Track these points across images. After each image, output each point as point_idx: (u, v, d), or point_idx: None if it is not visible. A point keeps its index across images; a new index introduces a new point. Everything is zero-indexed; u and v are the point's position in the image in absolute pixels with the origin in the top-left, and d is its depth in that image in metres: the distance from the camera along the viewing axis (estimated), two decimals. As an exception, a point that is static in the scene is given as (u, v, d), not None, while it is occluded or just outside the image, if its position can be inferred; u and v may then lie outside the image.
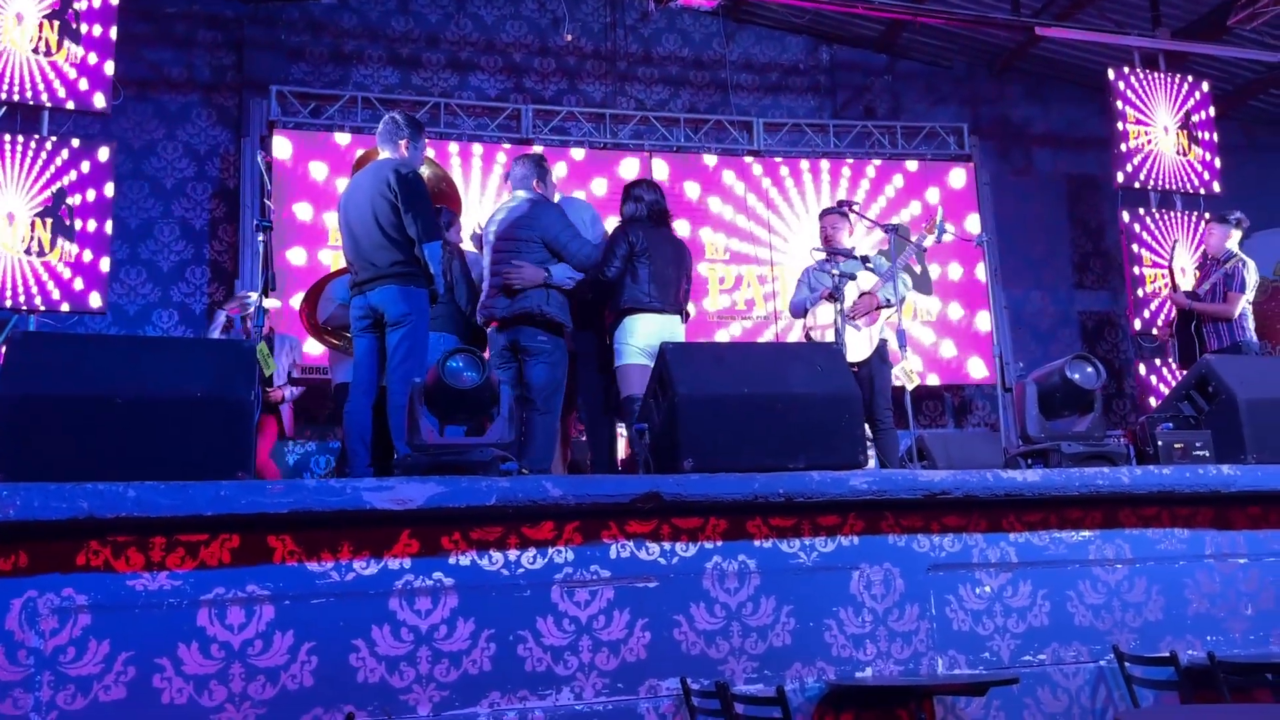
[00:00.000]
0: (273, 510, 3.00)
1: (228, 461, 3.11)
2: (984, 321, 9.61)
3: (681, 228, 6.50)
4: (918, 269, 9.45)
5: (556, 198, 5.61)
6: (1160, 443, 4.10)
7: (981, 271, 9.58)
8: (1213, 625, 3.95)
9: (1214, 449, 4.12)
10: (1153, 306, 9.10)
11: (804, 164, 9.79)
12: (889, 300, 5.94)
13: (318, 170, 8.54)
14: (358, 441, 4.53)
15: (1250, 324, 6.56)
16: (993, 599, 3.74)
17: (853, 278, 5.86)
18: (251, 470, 3.15)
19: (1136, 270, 9.11)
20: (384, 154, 4.79)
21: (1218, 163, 9.56)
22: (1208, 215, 6.87)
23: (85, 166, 6.99)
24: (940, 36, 10.35)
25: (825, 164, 9.82)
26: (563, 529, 3.34)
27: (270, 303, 6.19)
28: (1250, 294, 6.53)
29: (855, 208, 6.46)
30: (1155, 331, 9.11)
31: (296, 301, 7.71)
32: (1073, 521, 3.87)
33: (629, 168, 9.31)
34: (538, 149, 8.78)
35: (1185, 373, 6.14)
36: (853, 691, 3.45)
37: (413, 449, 3.52)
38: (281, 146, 8.53)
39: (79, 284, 6.82)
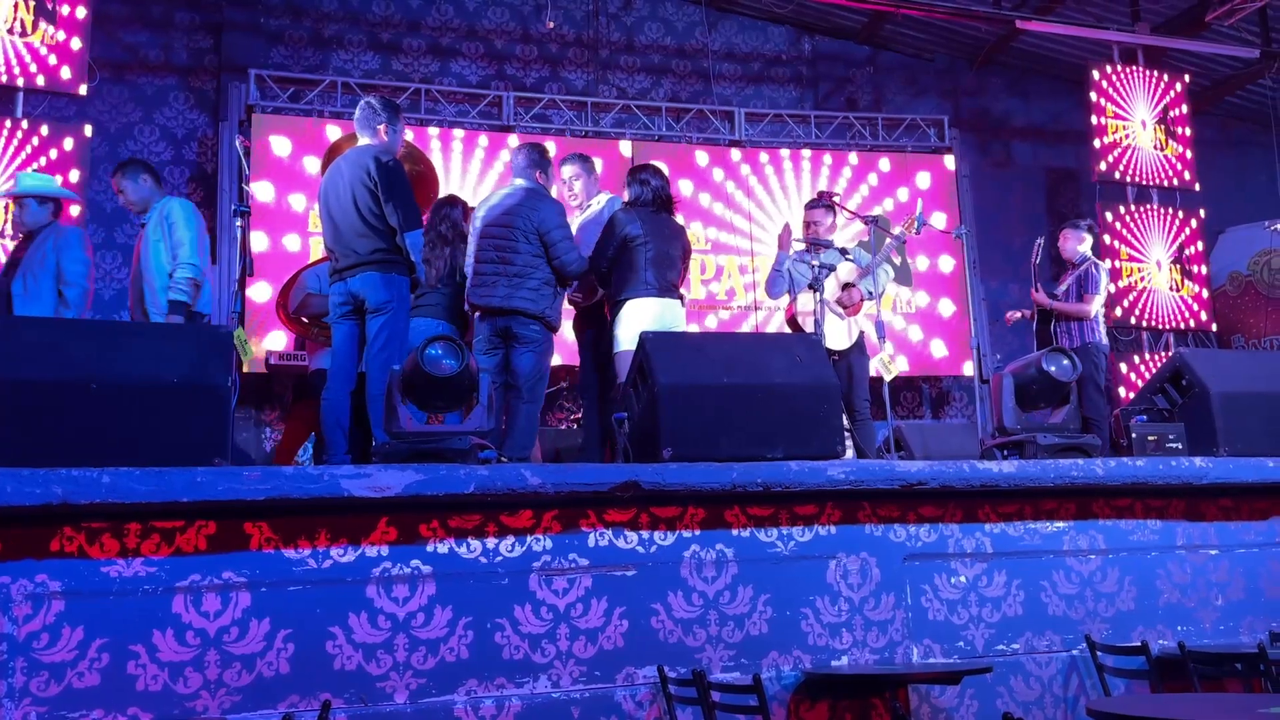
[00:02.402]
0: (250, 497, 2.98)
1: (204, 447, 3.09)
2: (962, 313, 9.65)
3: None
4: (898, 261, 9.48)
5: (595, 195, 5.66)
6: (1134, 435, 4.15)
7: (961, 263, 9.63)
8: (1183, 615, 4.00)
9: (1187, 441, 4.18)
10: (1127, 301, 9.17)
11: (785, 154, 9.79)
12: (870, 292, 5.96)
13: (280, 146, 8.39)
14: (335, 429, 4.51)
15: (1102, 325, 6.76)
16: (968, 589, 3.77)
17: (833, 269, 5.87)
18: (228, 456, 3.14)
19: (1112, 264, 9.17)
20: (363, 139, 4.76)
21: (1194, 157, 9.63)
22: (1065, 223, 7.14)
23: (69, 144, 6.91)
24: (922, 29, 10.37)
25: (806, 154, 9.83)
26: (541, 517, 3.34)
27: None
28: (1103, 295, 6.74)
29: (835, 199, 6.47)
30: (1133, 321, 9.22)
31: (260, 291, 7.69)
32: (1047, 512, 3.90)
33: (624, 149, 9.30)
34: (514, 139, 8.77)
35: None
36: (828, 680, 3.48)
37: (391, 436, 3.51)
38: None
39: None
